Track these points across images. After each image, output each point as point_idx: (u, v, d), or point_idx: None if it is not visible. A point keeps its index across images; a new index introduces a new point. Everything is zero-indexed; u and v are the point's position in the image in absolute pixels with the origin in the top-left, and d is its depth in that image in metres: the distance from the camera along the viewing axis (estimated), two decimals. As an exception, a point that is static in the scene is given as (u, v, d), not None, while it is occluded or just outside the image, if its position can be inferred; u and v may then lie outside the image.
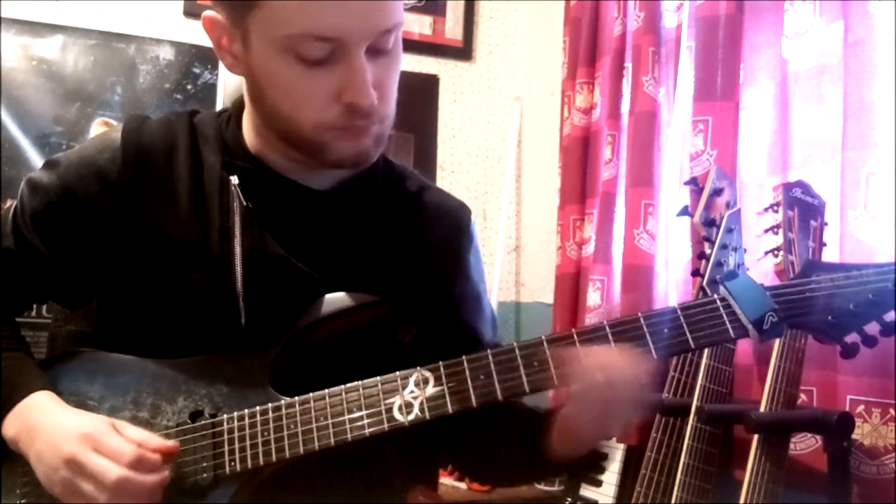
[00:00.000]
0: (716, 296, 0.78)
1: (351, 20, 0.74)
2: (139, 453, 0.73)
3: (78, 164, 0.87)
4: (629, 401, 0.78)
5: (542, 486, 2.13)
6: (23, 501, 0.80)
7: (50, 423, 0.77)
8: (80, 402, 0.82)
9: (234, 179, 0.86)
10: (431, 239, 0.95)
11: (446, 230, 0.97)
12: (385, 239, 0.91)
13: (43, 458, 0.76)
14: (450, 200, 1.00)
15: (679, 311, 0.77)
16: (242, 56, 0.80)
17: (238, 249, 0.84)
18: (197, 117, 0.92)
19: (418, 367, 0.78)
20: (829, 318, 0.77)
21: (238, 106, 0.91)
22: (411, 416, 0.76)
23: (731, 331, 0.76)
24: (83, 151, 0.88)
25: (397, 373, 0.78)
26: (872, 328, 0.80)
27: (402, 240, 0.92)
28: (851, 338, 0.80)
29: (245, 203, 0.85)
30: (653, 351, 0.76)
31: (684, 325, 0.76)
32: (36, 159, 2.24)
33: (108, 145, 0.87)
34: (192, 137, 0.89)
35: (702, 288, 1.42)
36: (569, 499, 1.94)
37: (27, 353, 0.87)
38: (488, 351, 0.78)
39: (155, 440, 0.76)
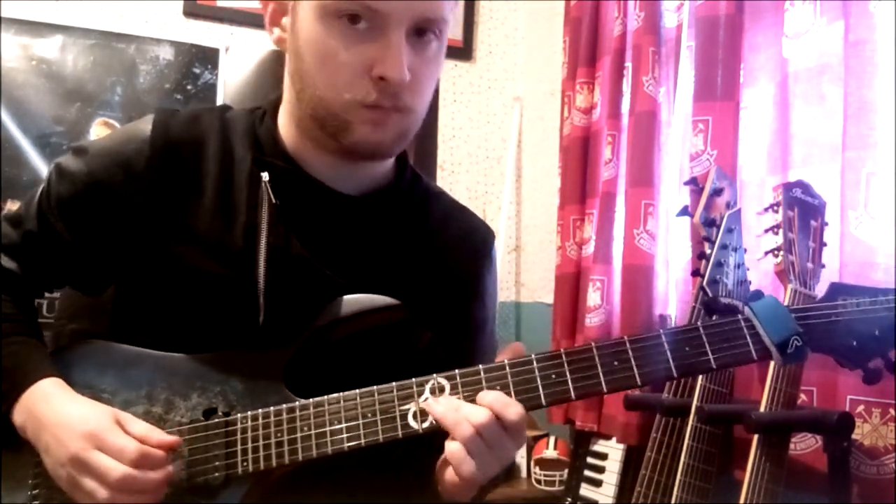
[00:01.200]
0: (740, 316, 0.76)
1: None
2: (142, 450, 0.74)
3: (106, 153, 0.87)
4: (506, 447, 0.75)
5: (542, 487, 2.13)
6: (34, 491, 0.80)
7: (55, 416, 0.77)
8: (93, 396, 0.82)
9: (265, 176, 0.86)
10: (453, 257, 0.95)
11: (469, 251, 0.97)
12: (408, 250, 0.91)
13: (50, 452, 0.76)
14: (475, 221, 1.01)
15: (702, 330, 0.75)
16: (289, 29, 0.82)
17: (263, 246, 0.84)
18: (228, 113, 0.92)
19: (435, 375, 0.77)
20: (854, 343, 0.75)
21: (273, 103, 0.91)
22: (426, 424, 0.76)
23: (753, 353, 0.75)
24: (111, 142, 0.89)
25: (413, 379, 0.77)
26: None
27: (424, 253, 0.92)
28: (875, 363, 0.78)
29: (274, 200, 0.85)
30: (673, 370, 0.74)
31: (706, 345, 0.75)
32: (36, 159, 2.25)
33: (136, 136, 0.87)
34: (223, 132, 0.89)
35: (702, 288, 1.42)
36: (569, 499, 1.94)
37: (39, 338, 0.87)
38: (506, 361, 0.77)
39: (158, 435, 0.76)
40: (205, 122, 0.89)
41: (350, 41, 0.77)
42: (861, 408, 1.26)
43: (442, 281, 0.93)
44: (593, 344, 0.76)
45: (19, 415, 0.79)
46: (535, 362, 0.76)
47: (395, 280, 0.88)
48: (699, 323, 0.77)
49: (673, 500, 1.36)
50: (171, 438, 0.77)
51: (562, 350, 0.76)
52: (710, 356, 0.75)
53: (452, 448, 0.73)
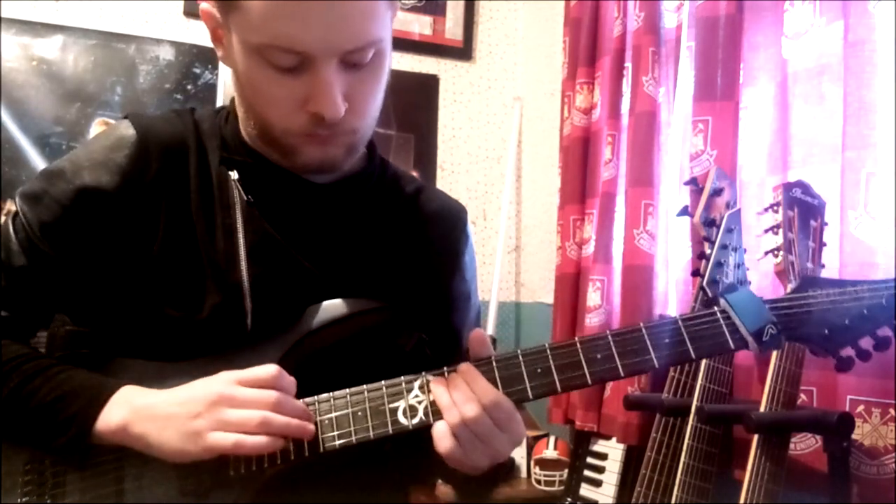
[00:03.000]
0: (716, 308, 0.79)
1: (316, 36, 0.73)
2: (280, 381, 0.75)
3: (90, 163, 0.84)
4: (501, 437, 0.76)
5: (542, 487, 2.13)
6: (24, 500, 0.80)
7: (167, 394, 0.76)
8: None
9: (234, 174, 0.86)
10: (430, 235, 0.95)
11: (444, 227, 0.98)
12: (384, 233, 0.92)
13: (176, 417, 0.74)
14: (447, 199, 1.01)
15: (680, 322, 0.78)
16: (227, 52, 0.82)
17: (242, 243, 0.84)
18: (197, 114, 0.92)
19: (423, 372, 0.78)
20: (825, 331, 0.79)
21: (235, 102, 0.91)
22: (415, 421, 0.77)
23: (730, 342, 0.78)
24: (92, 152, 0.86)
25: (402, 377, 0.79)
26: (867, 342, 0.81)
27: (400, 234, 0.93)
28: (846, 351, 0.82)
29: (246, 197, 0.86)
30: (654, 360, 0.77)
31: (685, 336, 0.78)
32: (36, 159, 2.25)
33: (122, 142, 0.85)
34: (197, 133, 0.89)
35: (702, 288, 1.42)
36: (569, 499, 1.94)
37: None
38: (492, 357, 0.78)
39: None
40: (179, 124, 0.89)
41: (281, 77, 0.76)
42: (861, 408, 1.26)
43: (421, 259, 0.93)
44: (577, 338, 0.78)
45: (113, 416, 0.76)
46: (520, 356, 0.78)
47: (375, 263, 0.89)
48: (678, 315, 0.79)
49: (673, 500, 1.36)
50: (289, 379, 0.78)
51: (546, 344, 0.78)
52: (689, 347, 0.77)
53: (437, 425, 0.75)
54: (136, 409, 0.76)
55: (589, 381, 0.77)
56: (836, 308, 0.79)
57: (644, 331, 0.78)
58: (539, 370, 0.77)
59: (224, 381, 0.75)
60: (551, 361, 0.77)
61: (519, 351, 0.78)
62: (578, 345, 0.78)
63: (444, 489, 0.94)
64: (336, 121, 0.77)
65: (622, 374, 0.77)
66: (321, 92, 0.76)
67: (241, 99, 0.85)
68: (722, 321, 0.78)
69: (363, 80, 0.79)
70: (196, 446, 0.73)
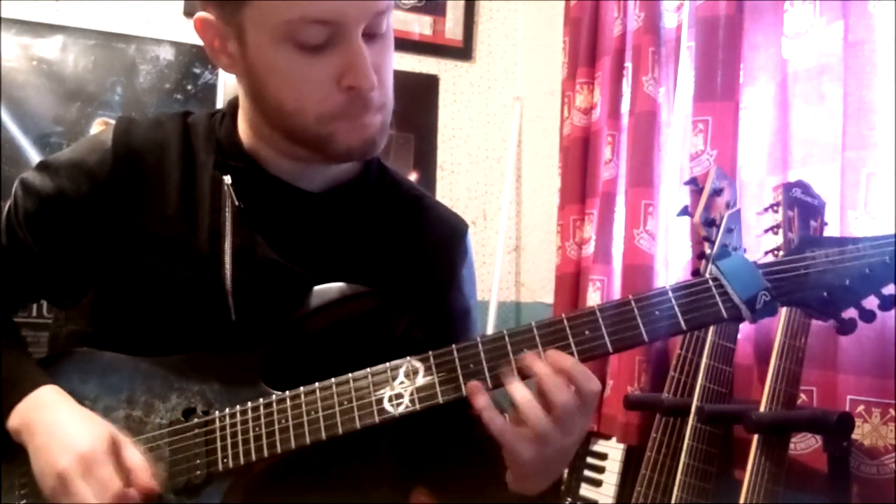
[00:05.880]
0: (707, 276, 0.76)
1: (347, 2, 0.74)
2: (124, 493, 0.73)
3: (69, 166, 0.87)
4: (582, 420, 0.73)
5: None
6: (23, 503, 0.80)
7: (52, 424, 0.77)
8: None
9: (227, 179, 0.86)
10: (425, 246, 0.94)
11: (441, 239, 0.96)
12: (378, 244, 0.91)
13: (38, 457, 0.76)
14: (446, 211, 1.00)
15: (670, 293, 0.75)
16: (239, 54, 0.81)
17: (228, 248, 0.84)
18: (190, 118, 0.92)
19: (408, 358, 0.77)
20: (824, 294, 0.75)
21: (233, 105, 0.91)
22: (401, 408, 0.75)
23: (723, 311, 0.74)
24: (74, 153, 0.89)
25: (387, 364, 0.77)
26: (870, 303, 0.77)
27: (395, 245, 0.92)
28: (848, 313, 0.77)
29: (237, 203, 0.86)
30: (644, 334, 0.74)
31: (675, 307, 0.74)
32: (36, 159, 2.24)
33: (98, 146, 0.87)
34: (185, 137, 0.89)
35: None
36: (569, 499, 1.94)
37: (24, 351, 0.88)
38: (478, 338, 0.76)
39: (144, 476, 0.75)
40: (166, 127, 0.89)
41: (312, 58, 0.76)
42: (861, 408, 1.26)
43: (415, 272, 0.92)
44: (564, 315, 0.76)
45: (14, 419, 0.79)
46: (507, 337, 0.75)
47: (368, 274, 0.88)
48: (668, 286, 0.76)
49: (673, 500, 1.36)
50: (154, 485, 0.76)
51: (532, 323, 0.76)
52: (680, 318, 0.74)
53: (522, 432, 0.71)
54: (28, 423, 0.78)
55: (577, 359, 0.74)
56: (836, 269, 0.74)
57: (633, 304, 0.75)
58: (525, 350, 0.74)
59: (90, 451, 0.74)
60: (538, 341, 0.75)
61: (505, 331, 0.76)
62: (566, 322, 0.75)
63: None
64: (372, 91, 0.78)
65: (611, 349, 0.75)
66: (356, 62, 0.76)
67: (262, 100, 0.82)
68: (714, 289, 0.75)
69: (381, 51, 0.80)
70: (47, 492, 0.75)
